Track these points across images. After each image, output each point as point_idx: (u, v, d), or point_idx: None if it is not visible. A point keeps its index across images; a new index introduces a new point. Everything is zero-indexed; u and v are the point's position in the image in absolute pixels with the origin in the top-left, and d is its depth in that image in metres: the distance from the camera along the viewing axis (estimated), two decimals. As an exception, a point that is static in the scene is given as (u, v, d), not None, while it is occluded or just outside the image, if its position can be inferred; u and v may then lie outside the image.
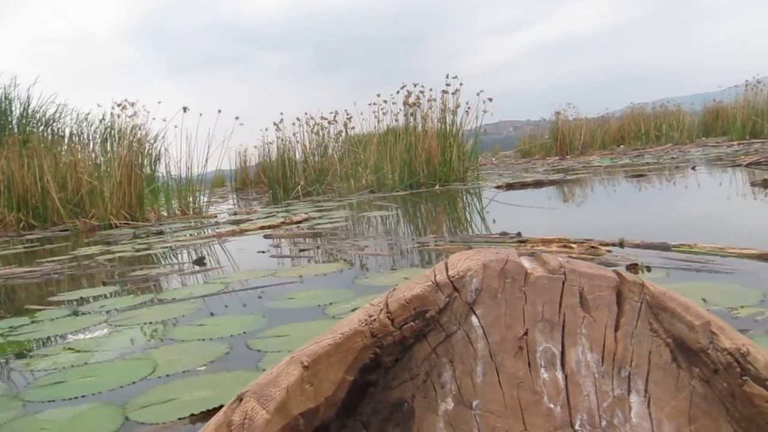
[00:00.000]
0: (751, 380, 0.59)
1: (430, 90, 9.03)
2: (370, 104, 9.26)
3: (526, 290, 0.65)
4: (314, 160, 10.15)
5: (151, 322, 2.22)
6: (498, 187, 7.21)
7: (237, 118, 8.33)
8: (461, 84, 8.98)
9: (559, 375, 0.62)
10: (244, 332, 1.95)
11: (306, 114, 10.37)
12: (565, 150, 15.77)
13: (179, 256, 4.08)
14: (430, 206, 6.46)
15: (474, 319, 0.65)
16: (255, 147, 10.27)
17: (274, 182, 10.27)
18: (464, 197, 7.18)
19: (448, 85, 8.97)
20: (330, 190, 9.69)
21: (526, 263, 0.68)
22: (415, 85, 8.87)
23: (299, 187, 9.77)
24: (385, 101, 9.13)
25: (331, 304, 2.18)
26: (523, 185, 7.14)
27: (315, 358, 0.62)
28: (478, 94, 8.99)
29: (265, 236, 4.54)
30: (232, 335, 1.93)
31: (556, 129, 16.03)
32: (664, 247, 2.52)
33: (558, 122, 16.09)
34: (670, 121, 17.57)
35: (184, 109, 8.16)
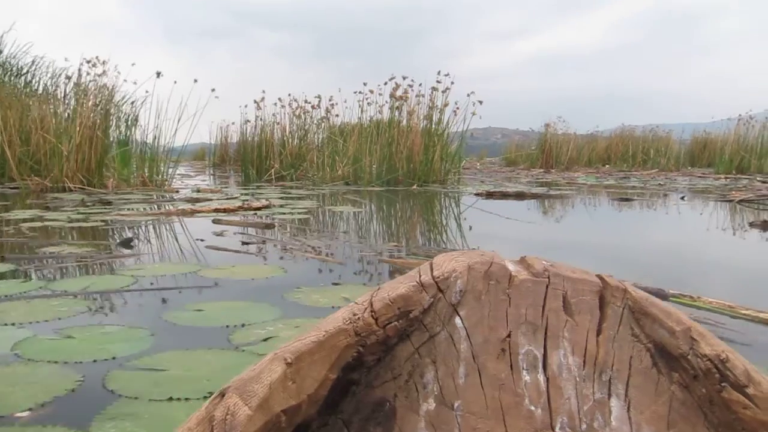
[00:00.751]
0: (730, 387, 0.59)
1: (420, 85, 8.56)
2: (355, 92, 8.76)
3: (510, 293, 0.65)
4: (292, 144, 9.62)
5: (5, 324, 1.72)
6: (478, 195, 6.75)
7: (213, 90, 7.81)
8: (452, 83, 8.52)
9: (541, 378, 0.62)
10: (114, 357, 1.46)
11: (289, 95, 9.84)
12: (550, 163, 15.38)
13: (110, 234, 3.57)
14: (405, 207, 5.99)
15: (458, 320, 0.64)
16: (238, 123, 9.82)
17: (248, 162, 9.74)
18: (442, 201, 6.72)
19: (438, 82, 8.50)
20: (304, 178, 9.18)
21: (511, 266, 0.68)
22: (404, 78, 8.39)
23: (272, 171, 9.25)
24: (371, 91, 8.63)
25: (243, 326, 1.70)
26: (504, 195, 6.69)
27: (298, 355, 0.60)
28: (468, 95, 8.54)
29: (214, 221, 4.05)
30: (95, 360, 1.44)
31: (544, 141, 15.63)
32: (661, 295, 2.06)
33: (547, 134, 15.69)
34: (658, 147, 17.26)
35: (158, 74, 7.63)
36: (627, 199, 6.30)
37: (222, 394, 0.60)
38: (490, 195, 6.71)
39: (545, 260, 0.69)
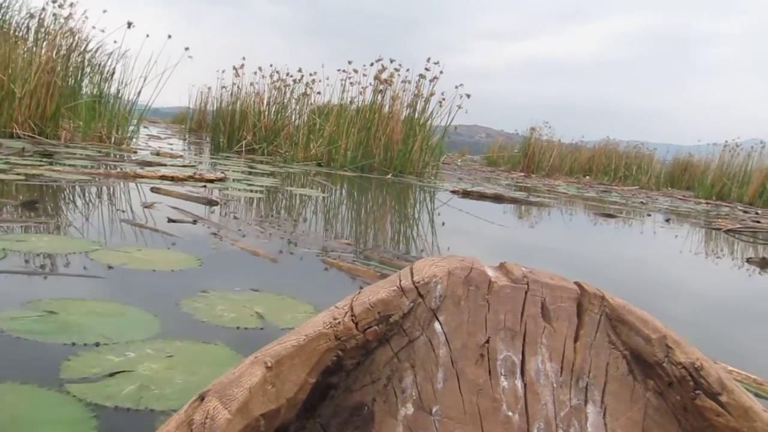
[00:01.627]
0: (704, 394, 0.59)
1: (407, 70, 8.04)
2: (339, 70, 8.20)
3: (489, 298, 0.65)
4: (268, 117, 9.04)
5: None
6: (454, 192, 6.27)
7: (187, 48, 7.20)
8: (441, 72, 8.01)
9: (519, 383, 0.62)
10: None
11: (271, 66, 9.25)
12: (531, 168, 14.95)
13: (21, 191, 3.03)
14: (374, 198, 5.50)
15: (437, 325, 0.64)
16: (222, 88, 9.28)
17: (219, 131, 9.16)
18: (415, 195, 6.23)
19: (427, 69, 7.98)
20: (276, 153, 8.63)
21: (491, 272, 0.68)
22: (392, 61, 7.86)
23: (243, 142, 8.69)
24: (355, 70, 8.09)
25: (96, 345, 1.20)
26: (482, 196, 6.22)
27: (278, 359, 0.60)
28: (456, 87, 8.03)
29: (153, 189, 3.52)
30: None
31: (528, 145, 15.19)
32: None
33: (531, 139, 15.25)
34: (641, 164, 16.93)
35: (129, 24, 7.02)
36: (609, 215, 5.86)
37: (201, 398, 0.58)
38: (466, 194, 6.24)
39: (524, 267, 0.70)
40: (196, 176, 4.32)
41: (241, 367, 0.60)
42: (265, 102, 9.18)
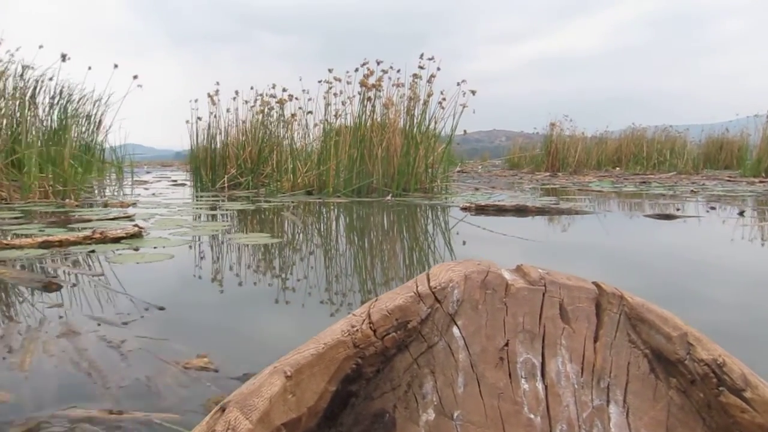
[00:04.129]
0: (728, 390, 0.57)
1: (398, 72, 6.67)
2: (320, 81, 6.85)
3: (507, 301, 0.64)
4: (252, 146, 7.74)
5: None
6: (465, 209, 4.87)
7: (135, 77, 5.94)
8: (438, 69, 6.63)
9: (540, 386, 0.60)
10: None
11: (252, 88, 7.96)
12: (557, 166, 13.45)
13: None
14: (357, 232, 4.14)
15: (455, 330, 0.63)
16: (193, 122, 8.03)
17: (199, 167, 7.90)
18: (419, 217, 4.84)
19: (421, 67, 6.61)
20: (263, 185, 7.32)
21: (507, 275, 0.67)
22: (378, 63, 6.49)
23: (226, 177, 7.41)
24: (336, 78, 6.72)
25: None
26: (500, 210, 4.81)
27: (298, 368, 0.59)
28: (458, 84, 6.64)
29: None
30: None
31: (550, 142, 13.70)
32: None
33: (552, 135, 13.76)
34: (673, 148, 15.30)
35: (63, 57, 5.79)
36: (667, 216, 4.40)
37: (223, 409, 0.56)
38: (480, 209, 4.83)
39: (541, 268, 0.68)
40: (96, 236, 3.01)
41: (261, 377, 0.58)
42: (247, 130, 7.90)
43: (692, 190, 7.32)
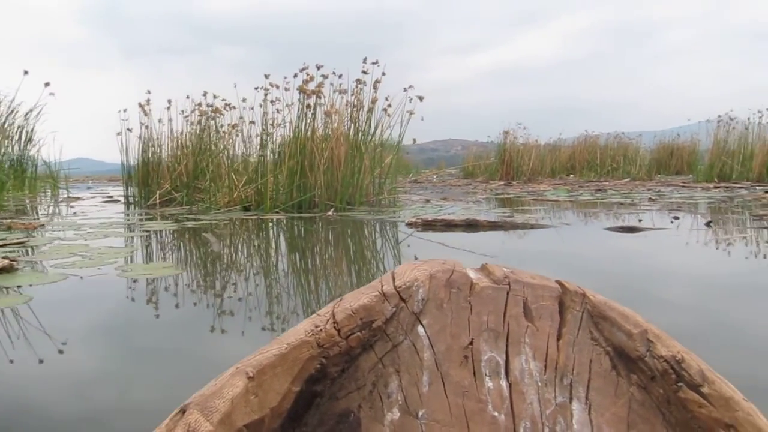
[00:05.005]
0: (686, 386, 0.58)
1: (340, 77, 6.14)
2: (256, 89, 6.27)
3: (471, 300, 0.64)
4: (188, 159, 7.11)
5: None
6: (410, 225, 4.36)
7: (47, 84, 5.30)
8: (384, 74, 6.13)
9: (504, 384, 0.60)
10: None
11: (188, 98, 7.34)
12: (511, 174, 13.10)
13: None
14: (294, 249, 3.60)
15: (420, 329, 0.62)
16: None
17: (130, 182, 7.26)
18: (359, 235, 4.32)
19: (365, 72, 6.10)
20: (199, 201, 6.69)
21: (472, 274, 0.66)
22: (318, 68, 5.96)
23: (158, 193, 6.78)
24: (272, 85, 6.14)
25: None
26: (449, 225, 4.31)
27: (260, 369, 0.57)
28: (405, 90, 6.16)
29: None
30: None
31: (504, 150, 13.36)
32: None
33: (506, 143, 13.42)
34: (626, 154, 15.12)
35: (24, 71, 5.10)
36: (630, 229, 3.96)
37: (183, 411, 0.55)
38: (427, 225, 4.33)
39: (506, 267, 0.68)
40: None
41: (222, 378, 0.57)
42: (183, 142, 7.28)
43: (650, 198, 6.95)
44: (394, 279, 0.65)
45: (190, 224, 4.71)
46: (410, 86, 6.16)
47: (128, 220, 5.22)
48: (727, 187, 9.28)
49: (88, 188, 13.84)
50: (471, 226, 4.23)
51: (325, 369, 0.60)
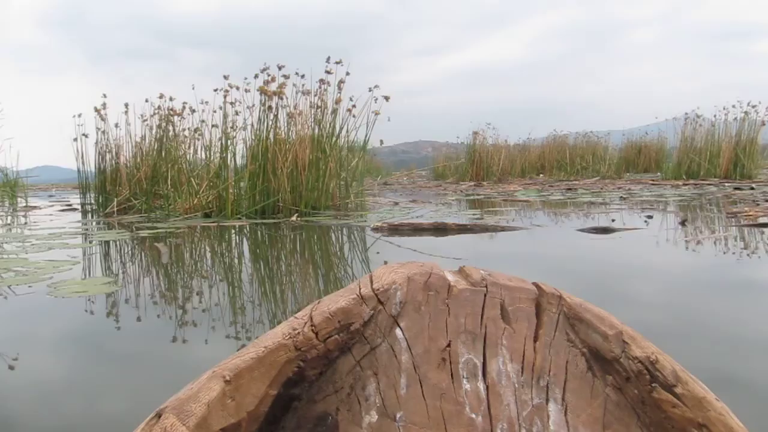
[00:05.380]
0: (660, 387, 0.58)
1: (302, 77, 5.91)
2: (215, 90, 6.00)
3: (449, 303, 0.64)
4: (147, 164, 6.81)
5: None
6: (376, 230, 4.15)
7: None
8: (348, 73, 5.91)
9: (481, 386, 0.60)
10: None
11: (147, 101, 7.02)
12: (481, 175, 12.96)
13: None
14: (249, 258, 3.36)
15: (398, 331, 0.62)
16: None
17: (86, 188, 6.94)
18: (322, 242, 4.10)
19: (328, 72, 5.87)
20: (158, 208, 6.39)
21: (450, 276, 0.66)
22: (279, 68, 5.71)
23: (116, 200, 6.47)
24: (230, 86, 5.88)
25: None
26: (416, 229, 4.11)
27: (237, 373, 0.57)
28: (370, 90, 5.94)
29: None
30: None
31: (473, 151, 13.21)
32: None
33: (475, 144, 13.28)
34: (595, 153, 15.08)
35: None
36: (604, 230, 3.79)
37: (159, 415, 0.54)
38: (394, 230, 4.12)
39: (483, 270, 0.68)
40: None
41: (199, 382, 0.56)
42: (142, 147, 6.98)
43: (622, 197, 6.83)
44: (372, 282, 0.64)
45: (144, 233, 4.44)
46: (375, 86, 5.95)
47: (80, 229, 4.92)
48: (696, 185, 9.24)
49: (50, 196, 13.38)
50: (439, 229, 4.04)
51: (303, 372, 0.59)
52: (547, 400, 0.60)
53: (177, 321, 1.88)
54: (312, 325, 0.60)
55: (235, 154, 5.82)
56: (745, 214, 4.37)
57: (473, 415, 0.58)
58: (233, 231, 4.69)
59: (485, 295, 0.64)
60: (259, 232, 4.60)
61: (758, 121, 11.06)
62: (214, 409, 0.54)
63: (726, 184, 8.85)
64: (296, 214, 5.29)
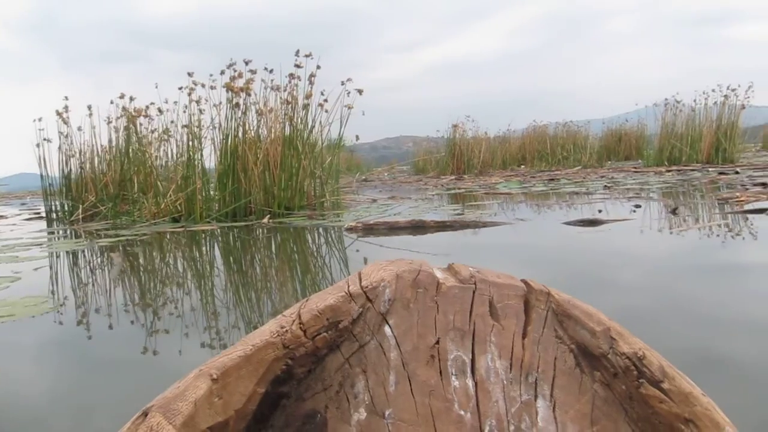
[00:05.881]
0: (647, 382, 0.58)
1: (271, 72, 5.61)
2: (180, 88, 5.67)
3: (438, 300, 0.63)
4: (113, 168, 6.48)
5: None
6: (351, 230, 3.88)
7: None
8: (319, 67, 5.62)
9: (470, 382, 0.60)
10: None
11: (112, 102, 6.68)
12: (462, 168, 12.72)
13: None
14: (202, 270, 3.08)
15: (387, 329, 0.62)
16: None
17: (50, 195, 6.61)
18: (294, 245, 3.83)
19: (297, 66, 5.58)
20: (126, 213, 6.07)
21: (439, 273, 0.66)
22: (246, 63, 5.40)
23: (81, 207, 6.15)
24: (195, 83, 5.57)
25: None
26: (393, 228, 3.84)
27: (224, 371, 0.56)
28: (343, 83, 5.66)
29: None
30: None
31: (454, 144, 12.97)
32: None
33: (455, 137, 13.03)
34: (575, 142, 14.89)
35: None
36: (591, 222, 3.55)
37: (145, 414, 0.53)
38: (369, 230, 3.85)
39: (472, 267, 0.67)
40: None
41: (186, 381, 0.56)
42: (109, 150, 6.65)
43: (606, 186, 6.60)
44: (360, 279, 0.64)
45: (103, 242, 4.13)
46: (348, 79, 5.67)
47: (37, 239, 4.59)
48: (679, 171, 9.05)
49: (23, 204, 12.96)
50: (417, 228, 3.77)
51: (291, 370, 0.59)
52: (536, 397, 0.60)
53: (111, 354, 1.59)
54: (300, 323, 0.60)
55: (201, 155, 5.50)
56: (737, 199, 4.16)
57: (462, 412, 0.58)
58: (200, 236, 4.39)
59: (474, 292, 0.63)
60: (227, 237, 4.32)
61: (738, 105, 10.92)
62: (201, 407, 0.54)
63: (710, 169, 8.67)
64: (268, 216, 4.99)
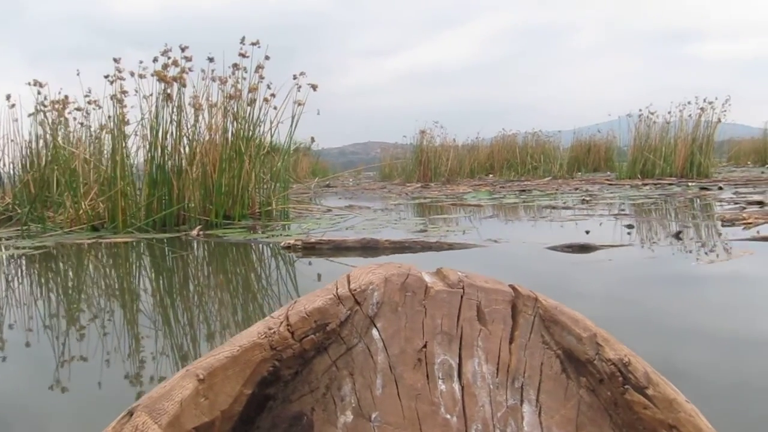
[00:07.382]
0: (632, 389, 0.57)
1: (212, 61, 4.82)
2: (106, 77, 4.84)
3: (426, 304, 0.62)
4: (34, 168, 5.61)
5: None
6: (288, 248, 3.13)
7: None
8: (267, 57, 4.85)
9: (456, 386, 0.59)
10: None
11: (39, 93, 5.77)
12: (429, 176, 12.04)
13: None
14: (90, 302, 2.31)
15: (375, 332, 0.61)
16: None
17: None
18: (216, 267, 3.06)
19: (243, 55, 4.80)
20: (49, 218, 5.20)
21: (427, 278, 0.65)
22: (182, 50, 4.60)
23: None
24: (119, 71, 4.75)
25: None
26: (339, 248, 3.09)
27: (211, 371, 0.55)
28: (295, 77, 4.89)
29: None
30: None
31: (420, 151, 12.29)
32: None
33: (422, 143, 12.35)
34: (544, 151, 14.32)
35: None
36: (583, 248, 2.84)
37: (130, 413, 0.52)
38: (311, 248, 3.10)
39: (460, 271, 0.67)
40: None
41: (172, 381, 0.54)
42: (29, 147, 5.78)
43: (583, 199, 5.94)
44: (349, 282, 0.63)
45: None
46: (301, 73, 4.91)
47: None
48: (656, 184, 8.48)
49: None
50: (369, 248, 3.03)
51: (278, 372, 0.57)
52: (522, 401, 0.59)
53: None
54: (288, 325, 0.58)
55: (127, 153, 4.67)
56: (743, 221, 3.50)
57: (448, 416, 0.57)
58: (112, 250, 3.59)
59: (462, 297, 0.62)
60: (135, 253, 3.52)
61: (714, 119, 10.43)
62: (187, 407, 0.52)
63: (690, 184, 8.11)
64: (198, 228, 4.20)
